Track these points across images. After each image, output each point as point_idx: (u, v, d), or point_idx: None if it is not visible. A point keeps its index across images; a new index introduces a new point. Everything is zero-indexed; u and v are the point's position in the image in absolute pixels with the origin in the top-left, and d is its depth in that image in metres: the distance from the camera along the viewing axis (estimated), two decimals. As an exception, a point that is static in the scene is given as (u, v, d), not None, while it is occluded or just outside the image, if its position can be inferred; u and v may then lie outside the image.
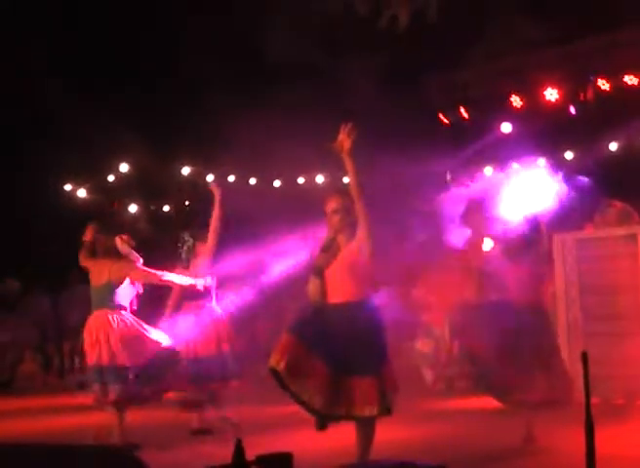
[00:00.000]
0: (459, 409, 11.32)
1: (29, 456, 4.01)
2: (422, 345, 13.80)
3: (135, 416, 9.52)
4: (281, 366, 6.76)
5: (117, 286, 9.24)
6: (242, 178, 17.16)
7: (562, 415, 8.43)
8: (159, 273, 9.41)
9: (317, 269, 7.12)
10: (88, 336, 9.22)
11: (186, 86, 14.39)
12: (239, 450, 3.49)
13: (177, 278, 9.47)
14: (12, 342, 16.92)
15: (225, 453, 3.70)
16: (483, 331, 8.61)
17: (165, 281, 9.45)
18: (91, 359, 9.14)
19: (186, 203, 17.54)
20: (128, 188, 16.90)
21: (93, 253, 9.55)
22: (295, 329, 7.01)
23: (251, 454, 3.64)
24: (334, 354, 6.87)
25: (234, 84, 14.19)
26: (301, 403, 6.85)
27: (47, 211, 16.36)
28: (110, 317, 9.15)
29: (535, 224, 8.81)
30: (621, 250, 11.34)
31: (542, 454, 8.03)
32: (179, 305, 9.98)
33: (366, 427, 6.95)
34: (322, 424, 6.97)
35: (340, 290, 7.05)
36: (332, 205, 7.16)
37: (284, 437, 8.27)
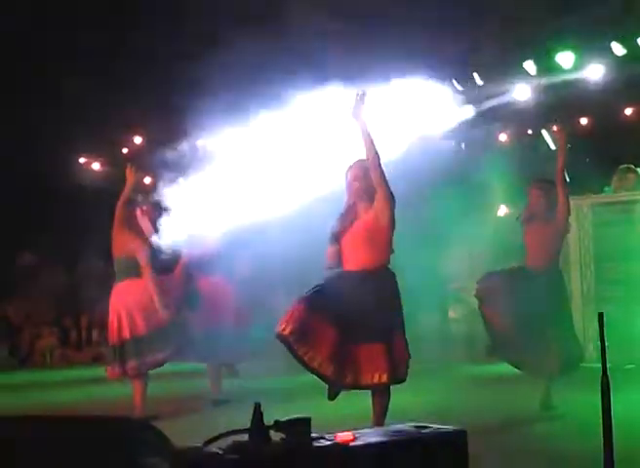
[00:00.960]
0: (478, 376, 11.36)
1: (51, 427, 4.02)
2: (453, 312, 13.88)
3: (154, 387, 9.56)
4: (287, 331, 6.80)
5: (134, 259, 9.26)
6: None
7: (578, 380, 8.48)
8: (150, 273, 9.36)
9: (334, 235, 7.14)
10: (110, 312, 9.25)
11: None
12: (258, 415, 3.50)
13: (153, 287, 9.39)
14: (28, 317, 17.00)
15: (244, 421, 3.72)
16: (502, 300, 8.66)
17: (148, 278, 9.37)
18: (113, 336, 9.16)
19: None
20: (142, 161, 16.88)
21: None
22: (306, 297, 7.02)
23: (268, 420, 3.66)
24: (345, 321, 6.90)
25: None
26: (312, 370, 6.91)
27: (61, 184, 16.37)
28: (129, 287, 9.19)
29: (550, 189, 8.84)
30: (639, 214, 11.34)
31: (559, 420, 8.08)
32: (188, 279, 9.97)
33: (379, 395, 7.00)
34: (333, 393, 7.03)
35: (355, 257, 7.06)
36: (352, 172, 7.18)
37: (299, 404, 8.31)
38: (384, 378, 6.86)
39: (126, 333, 9.03)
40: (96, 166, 17.56)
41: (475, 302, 9.22)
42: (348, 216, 7.16)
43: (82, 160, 17.47)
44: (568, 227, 8.98)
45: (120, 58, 14.32)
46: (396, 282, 7.11)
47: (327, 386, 6.99)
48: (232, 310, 9.91)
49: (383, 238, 7.08)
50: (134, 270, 9.19)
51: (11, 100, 14.48)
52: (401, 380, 6.96)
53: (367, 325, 6.89)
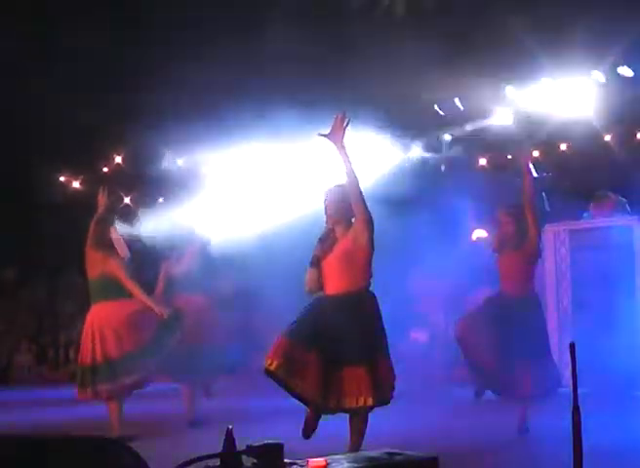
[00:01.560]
0: (453, 399, 11.37)
1: (23, 446, 4.00)
2: (418, 335, 13.86)
3: (130, 408, 9.53)
4: (273, 366, 6.86)
5: (110, 279, 9.22)
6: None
7: (553, 405, 8.50)
8: (135, 285, 9.34)
9: (314, 259, 7.17)
10: (84, 334, 9.21)
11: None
12: (229, 439, 3.50)
13: (142, 296, 9.37)
14: (8, 331, 16.93)
15: (219, 443, 3.71)
16: (482, 339, 8.69)
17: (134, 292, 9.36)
18: (86, 358, 9.12)
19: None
20: (122, 179, 16.85)
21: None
22: (288, 329, 7.05)
23: (241, 444, 3.65)
24: (328, 347, 6.95)
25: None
26: (295, 395, 6.95)
27: (44, 201, 16.33)
28: (105, 310, 9.14)
29: (519, 214, 8.88)
30: (616, 240, 11.38)
31: (533, 445, 8.10)
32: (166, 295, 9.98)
33: (360, 418, 7.00)
34: (310, 431, 7.10)
35: (335, 280, 7.10)
36: (330, 196, 7.24)
37: (274, 428, 8.28)
38: (369, 401, 6.89)
39: (99, 357, 8.97)
40: (76, 184, 17.51)
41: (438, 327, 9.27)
42: (327, 241, 7.19)
43: (62, 178, 17.42)
44: (539, 252, 9.01)
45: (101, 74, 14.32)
46: (377, 304, 7.14)
47: (305, 410, 7.03)
48: (210, 329, 9.90)
49: (363, 261, 7.12)
50: (109, 291, 9.15)
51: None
52: (386, 403, 7.00)
53: (349, 348, 6.93)
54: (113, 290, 9.14)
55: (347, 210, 7.14)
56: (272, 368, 6.85)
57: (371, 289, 7.19)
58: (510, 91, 13.48)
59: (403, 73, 11.91)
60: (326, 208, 7.24)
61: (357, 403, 6.87)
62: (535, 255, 8.91)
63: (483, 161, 15.32)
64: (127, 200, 16.95)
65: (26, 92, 13.90)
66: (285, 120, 11.20)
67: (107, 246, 9.28)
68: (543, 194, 14.09)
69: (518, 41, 11.64)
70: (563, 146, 14.49)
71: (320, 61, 12.75)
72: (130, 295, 9.17)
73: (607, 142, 13.71)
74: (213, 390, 10.98)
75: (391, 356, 7.13)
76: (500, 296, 8.90)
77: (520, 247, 8.77)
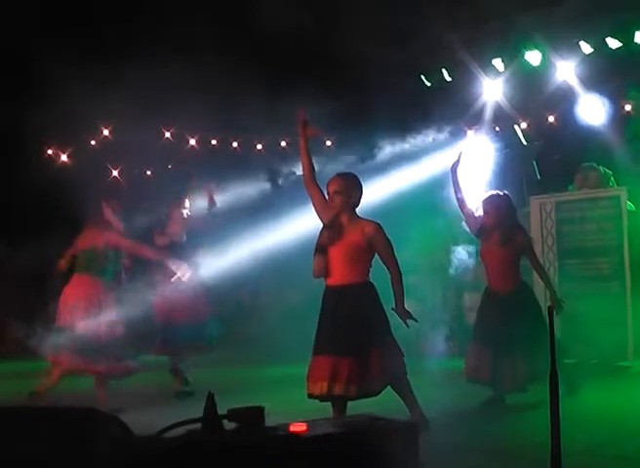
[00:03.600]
0: (438, 372, 11.41)
1: (13, 418, 4.03)
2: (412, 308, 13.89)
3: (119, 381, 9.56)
4: (324, 390, 7.08)
5: (100, 252, 9.25)
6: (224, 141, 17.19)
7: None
8: (143, 248, 9.41)
9: (321, 247, 7.24)
10: (72, 302, 9.22)
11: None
12: (210, 404, 3.52)
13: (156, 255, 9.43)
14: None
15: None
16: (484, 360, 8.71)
17: (155, 257, 9.43)
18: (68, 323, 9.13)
19: (169, 166, 17.51)
20: (110, 152, 16.83)
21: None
22: (321, 345, 7.24)
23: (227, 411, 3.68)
24: (324, 334, 7.26)
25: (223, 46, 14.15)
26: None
27: (30, 175, 16.28)
28: (93, 284, 9.17)
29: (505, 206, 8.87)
30: (604, 211, 11.39)
31: (511, 415, 8.15)
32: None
33: (343, 406, 7.14)
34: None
35: (340, 270, 7.24)
36: (333, 186, 7.39)
37: (259, 396, 8.33)
38: (352, 392, 6.97)
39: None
40: (63, 157, 17.47)
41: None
42: (333, 228, 7.26)
43: (50, 151, 17.37)
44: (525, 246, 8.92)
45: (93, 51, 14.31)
46: (376, 295, 7.28)
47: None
48: (190, 306, 9.96)
49: (369, 256, 7.32)
50: (92, 265, 9.18)
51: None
52: (372, 395, 7.08)
53: (340, 338, 7.08)
54: (97, 265, 9.18)
55: (351, 198, 7.36)
56: (323, 392, 7.08)
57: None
58: (498, 63, 13.46)
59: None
60: (331, 197, 7.37)
61: (340, 391, 7.07)
62: (522, 253, 8.87)
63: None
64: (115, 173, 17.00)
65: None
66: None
67: (103, 222, 9.36)
68: (534, 163, 14.14)
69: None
70: (551, 118, 14.48)
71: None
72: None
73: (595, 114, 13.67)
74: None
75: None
76: (489, 291, 8.89)
77: (506, 244, 8.73)
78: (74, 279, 9.38)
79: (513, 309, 8.60)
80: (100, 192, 9.75)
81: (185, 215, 10.26)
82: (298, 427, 3.73)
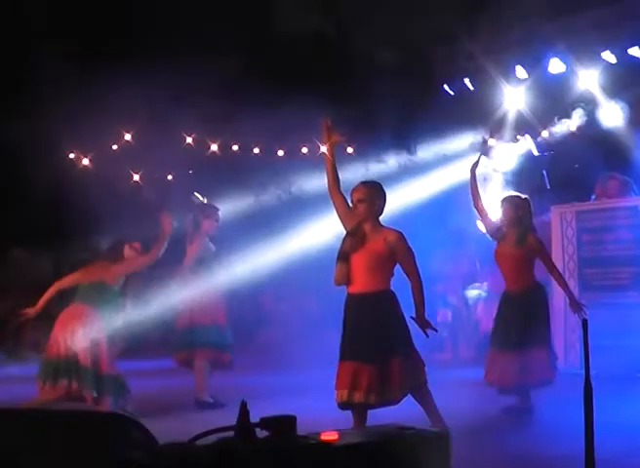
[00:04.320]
0: (463, 380, 11.39)
1: (35, 421, 4.04)
2: (441, 316, 13.93)
3: (139, 384, 9.57)
4: (356, 397, 7.06)
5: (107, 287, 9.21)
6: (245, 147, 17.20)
7: (561, 386, 8.54)
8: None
9: (344, 254, 7.25)
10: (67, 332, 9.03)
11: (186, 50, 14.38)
12: (243, 412, 3.53)
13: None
14: (15, 309, 16.94)
15: (229, 419, 3.74)
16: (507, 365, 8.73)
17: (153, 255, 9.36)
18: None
19: (190, 171, 17.54)
20: (131, 157, 16.86)
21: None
22: (343, 353, 7.25)
23: (254, 419, 3.68)
24: (347, 341, 7.26)
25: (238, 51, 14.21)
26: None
27: (52, 180, 16.35)
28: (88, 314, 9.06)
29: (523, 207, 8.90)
30: (624, 221, 11.37)
31: (543, 425, 8.11)
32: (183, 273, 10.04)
33: (364, 414, 7.14)
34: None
35: (361, 278, 7.25)
36: (357, 194, 7.40)
37: (285, 403, 8.34)
38: (372, 400, 6.98)
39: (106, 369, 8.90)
40: (85, 161, 17.52)
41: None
42: (356, 236, 7.27)
43: (71, 155, 17.43)
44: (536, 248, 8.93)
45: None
46: (397, 304, 7.29)
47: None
48: (211, 309, 9.96)
49: (391, 264, 7.32)
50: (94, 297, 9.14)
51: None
52: (392, 404, 7.10)
53: (361, 346, 7.12)
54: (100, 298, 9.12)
55: (374, 206, 7.36)
56: (362, 400, 7.05)
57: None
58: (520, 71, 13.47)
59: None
60: (354, 205, 7.38)
61: (360, 399, 7.05)
62: (534, 255, 8.89)
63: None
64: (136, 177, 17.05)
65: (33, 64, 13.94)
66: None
67: (118, 258, 9.32)
68: (544, 172, 14.13)
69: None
70: (572, 126, 14.45)
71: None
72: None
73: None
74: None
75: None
76: (506, 293, 8.93)
77: (521, 245, 8.76)
78: (71, 309, 9.19)
79: (527, 308, 8.64)
80: (123, 234, 9.68)
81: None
82: (329, 436, 3.73)
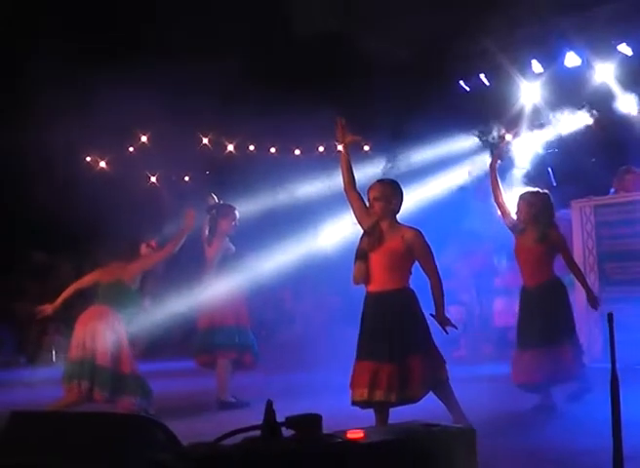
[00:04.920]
0: (483, 376, 11.37)
1: (59, 423, 4.06)
2: (454, 313, 13.96)
3: (160, 386, 9.59)
4: (377, 396, 7.05)
5: (125, 286, 9.20)
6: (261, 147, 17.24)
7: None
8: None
9: (362, 252, 7.25)
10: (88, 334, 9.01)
11: (205, 55, 14.40)
12: (270, 411, 3.54)
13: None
14: (36, 314, 16.99)
15: (251, 420, 3.75)
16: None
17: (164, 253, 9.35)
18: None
19: (207, 172, 17.58)
20: (148, 159, 16.91)
21: None
22: (362, 352, 7.24)
23: (278, 418, 3.69)
24: (365, 338, 7.25)
25: (253, 52, 14.22)
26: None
27: (70, 182, 16.42)
28: (111, 317, 9.03)
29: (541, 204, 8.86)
30: (641, 215, 11.35)
31: (569, 420, 8.08)
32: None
33: (385, 412, 7.14)
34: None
35: (380, 276, 7.24)
36: (373, 193, 7.37)
37: (308, 402, 8.37)
38: (393, 398, 6.99)
39: (128, 369, 8.93)
40: (102, 164, 17.58)
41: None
42: (374, 234, 7.27)
43: (88, 158, 17.49)
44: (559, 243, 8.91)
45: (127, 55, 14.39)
46: (417, 301, 7.28)
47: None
48: (233, 310, 9.96)
49: (410, 262, 7.31)
50: (118, 297, 9.13)
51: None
52: (412, 401, 7.09)
53: (380, 344, 7.11)
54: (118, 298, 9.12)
55: (390, 204, 7.33)
56: (377, 398, 7.05)
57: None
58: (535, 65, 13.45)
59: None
60: (371, 203, 7.36)
61: (380, 397, 7.05)
62: (556, 250, 8.86)
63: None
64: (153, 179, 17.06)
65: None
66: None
67: (134, 257, 9.32)
68: (549, 169, 14.12)
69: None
70: (589, 120, 14.42)
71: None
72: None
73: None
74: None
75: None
76: (524, 288, 8.91)
77: (543, 240, 8.73)
78: (91, 309, 9.18)
79: (549, 303, 8.62)
80: (139, 234, 9.67)
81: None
82: (355, 434, 3.73)
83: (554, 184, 14.02)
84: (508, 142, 11.51)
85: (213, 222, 10.09)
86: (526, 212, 8.79)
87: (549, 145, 14.56)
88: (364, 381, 7.06)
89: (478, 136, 14.85)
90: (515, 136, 12.67)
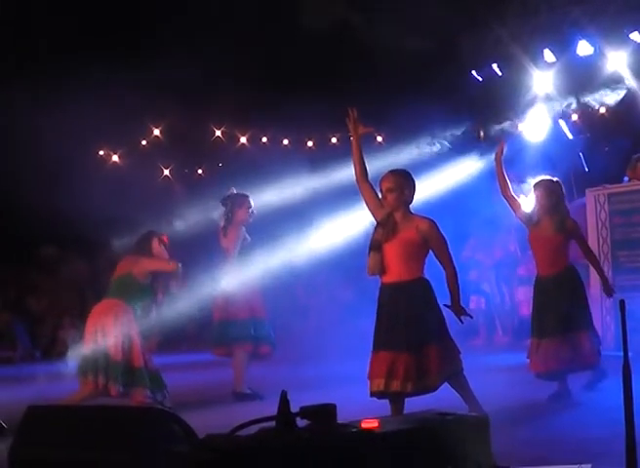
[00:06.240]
0: (498, 365, 11.37)
1: (76, 417, 4.08)
2: (474, 303, 13.95)
3: (175, 379, 9.61)
4: (393, 386, 7.05)
5: (135, 279, 9.15)
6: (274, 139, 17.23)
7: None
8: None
9: (376, 243, 7.25)
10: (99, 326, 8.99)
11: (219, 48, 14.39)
12: (284, 401, 3.56)
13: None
14: (50, 308, 17.07)
15: (267, 411, 3.76)
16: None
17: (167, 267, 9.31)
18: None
19: (219, 165, 17.59)
20: (161, 152, 16.93)
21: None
22: (377, 341, 7.24)
23: (293, 409, 3.71)
24: (381, 329, 7.24)
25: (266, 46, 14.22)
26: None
27: (83, 176, 16.42)
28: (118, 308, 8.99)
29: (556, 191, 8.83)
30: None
31: (581, 408, 8.08)
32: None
33: (401, 402, 7.16)
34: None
35: (395, 267, 7.23)
36: (386, 184, 7.35)
37: (323, 393, 8.40)
38: (409, 388, 7.00)
39: (140, 362, 8.88)
40: (115, 158, 17.61)
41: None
42: (388, 225, 7.27)
43: (101, 152, 17.52)
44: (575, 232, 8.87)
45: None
46: (432, 292, 7.27)
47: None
48: (248, 301, 9.97)
49: (424, 253, 7.30)
50: (129, 290, 9.09)
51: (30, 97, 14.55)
52: (429, 391, 7.11)
53: (396, 335, 7.10)
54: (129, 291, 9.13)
55: (403, 195, 7.31)
56: (394, 388, 7.05)
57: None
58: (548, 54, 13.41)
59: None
60: (384, 195, 7.35)
61: (397, 387, 7.04)
62: (571, 238, 8.83)
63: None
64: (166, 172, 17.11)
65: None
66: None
67: (146, 252, 9.29)
68: (581, 155, 14.09)
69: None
70: (602, 109, 14.39)
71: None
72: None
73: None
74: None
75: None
76: (538, 278, 8.88)
77: (560, 230, 8.69)
78: (102, 303, 9.16)
79: (565, 292, 8.61)
80: (151, 230, 9.65)
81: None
82: (370, 424, 3.75)
83: (586, 170, 14.01)
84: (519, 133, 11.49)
85: (229, 213, 10.09)
86: (545, 201, 8.72)
87: (581, 130, 14.52)
88: (381, 372, 7.07)
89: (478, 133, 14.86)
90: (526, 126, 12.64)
